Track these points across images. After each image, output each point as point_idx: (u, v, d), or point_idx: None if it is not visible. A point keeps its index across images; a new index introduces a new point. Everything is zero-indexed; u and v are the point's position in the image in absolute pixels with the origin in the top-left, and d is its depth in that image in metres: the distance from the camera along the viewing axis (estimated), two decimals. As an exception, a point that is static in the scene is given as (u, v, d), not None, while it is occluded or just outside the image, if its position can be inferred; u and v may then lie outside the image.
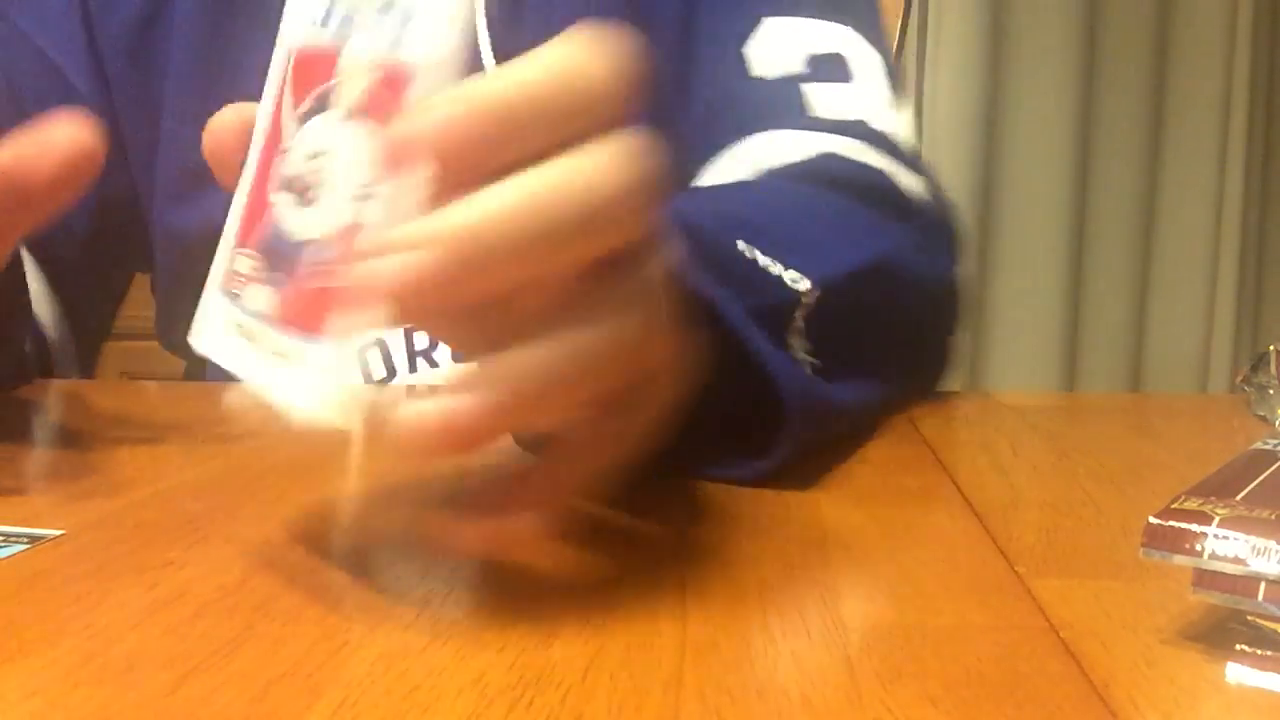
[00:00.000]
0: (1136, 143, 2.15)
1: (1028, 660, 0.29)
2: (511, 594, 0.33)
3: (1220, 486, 0.30)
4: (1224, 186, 2.14)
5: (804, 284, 0.48)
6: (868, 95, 0.71)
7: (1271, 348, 0.57)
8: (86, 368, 0.83)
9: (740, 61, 0.72)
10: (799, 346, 0.48)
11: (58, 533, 0.38)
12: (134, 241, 0.81)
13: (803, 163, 0.64)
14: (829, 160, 0.64)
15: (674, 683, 0.27)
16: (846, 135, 0.66)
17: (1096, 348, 2.18)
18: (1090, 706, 0.26)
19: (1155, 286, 2.21)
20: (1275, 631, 0.29)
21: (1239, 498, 0.30)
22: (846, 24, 0.74)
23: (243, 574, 0.34)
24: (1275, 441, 0.35)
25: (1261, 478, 0.31)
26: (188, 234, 0.77)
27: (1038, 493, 0.44)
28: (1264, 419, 0.56)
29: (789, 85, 0.70)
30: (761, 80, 0.71)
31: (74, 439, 0.53)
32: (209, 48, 0.75)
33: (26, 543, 0.37)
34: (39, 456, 0.49)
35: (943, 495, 0.43)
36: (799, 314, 0.48)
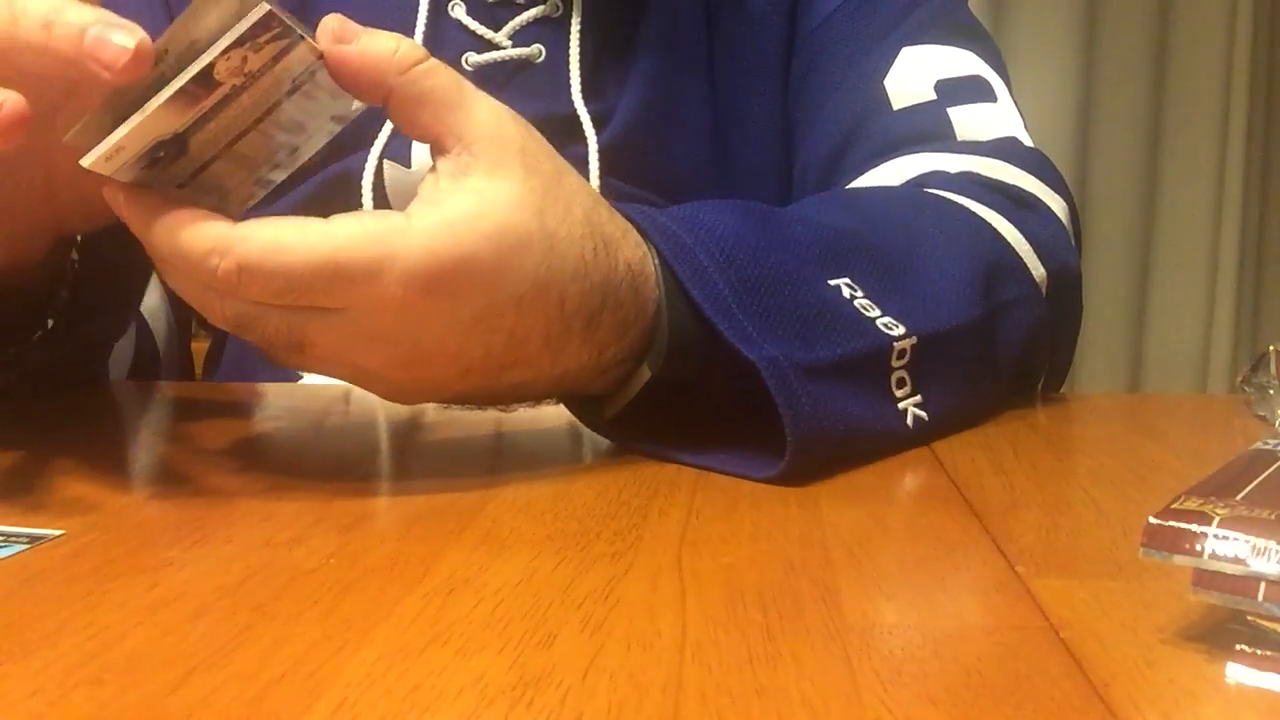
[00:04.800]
0: (1136, 142, 2.15)
1: (1028, 660, 0.29)
2: (511, 594, 0.33)
3: (1220, 486, 0.30)
4: (1224, 186, 2.14)
5: (899, 329, 0.49)
6: (1011, 115, 0.73)
7: (1271, 348, 0.57)
8: (186, 365, 0.83)
9: (882, 94, 0.72)
10: (904, 396, 0.49)
11: (58, 533, 0.38)
12: None
13: (940, 175, 0.65)
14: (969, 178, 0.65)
15: (674, 683, 0.27)
16: (993, 157, 0.67)
17: (1096, 348, 2.18)
18: (1090, 706, 0.26)
19: (1155, 286, 2.21)
20: (1275, 631, 0.29)
21: (1239, 498, 0.30)
22: (972, 50, 0.75)
23: (243, 574, 0.34)
24: (1275, 441, 0.35)
25: (1261, 478, 0.31)
26: None
27: (1038, 493, 0.44)
28: (1264, 419, 0.56)
29: (934, 110, 0.71)
30: (905, 111, 0.72)
31: (75, 439, 0.53)
32: None
33: (26, 543, 0.37)
34: (39, 457, 0.49)
35: (943, 495, 0.43)
36: (897, 363, 0.49)
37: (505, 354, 0.43)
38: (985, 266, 0.56)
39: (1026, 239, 0.60)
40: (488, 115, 0.43)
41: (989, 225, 0.59)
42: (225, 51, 0.39)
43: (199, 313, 0.43)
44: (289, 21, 0.40)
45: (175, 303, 0.78)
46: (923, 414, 0.49)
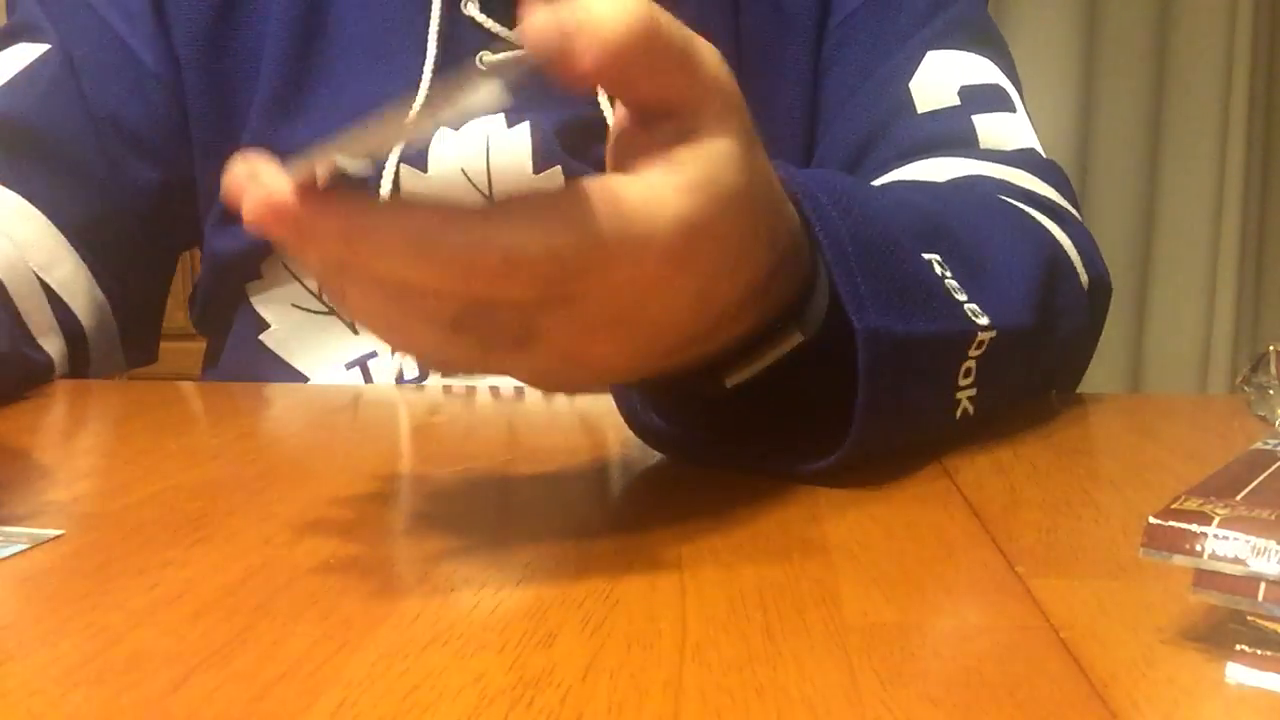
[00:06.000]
0: (1136, 143, 2.15)
1: (1028, 660, 0.29)
2: (511, 594, 0.33)
3: (1220, 486, 0.30)
4: (1224, 186, 2.14)
5: (984, 319, 0.48)
6: (1027, 126, 0.73)
7: (1271, 348, 0.57)
8: (142, 351, 0.81)
9: (907, 97, 0.72)
10: (966, 386, 0.48)
11: (58, 533, 0.38)
12: (188, 221, 0.79)
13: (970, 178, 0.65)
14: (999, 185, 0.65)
15: (674, 683, 0.27)
16: (1019, 167, 0.67)
17: (1097, 348, 2.18)
18: (1090, 706, 0.26)
19: (1155, 286, 2.21)
20: (1275, 631, 0.29)
21: (1239, 498, 0.30)
22: (991, 58, 0.75)
23: (243, 574, 0.34)
24: (1275, 441, 0.35)
25: (1261, 478, 0.31)
26: (229, 256, 0.76)
27: (1038, 493, 0.44)
28: (1264, 419, 0.56)
29: (959, 116, 0.71)
30: (930, 115, 0.72)
31: (74, 439, 0.53)
32: (292, 74, 0.74)
33: (26, 543, 0.37)
34: (39, 456, 0.49)
35: (943, 495, 0.43)
36: (974, 352, 0.48)
37: (707, 324, 0.40)
38: (1047, 270, 0.55)
39: (1074, 246, 0.60)
40: (713, 70, 0.39)
41: (1045, 229, 0.59)
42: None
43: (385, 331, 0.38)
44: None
45: (104, 273, 0.75)
46: (971, 408, 0.49)
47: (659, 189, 0.37)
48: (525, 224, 0.35)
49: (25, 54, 0.75)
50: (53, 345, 0.70)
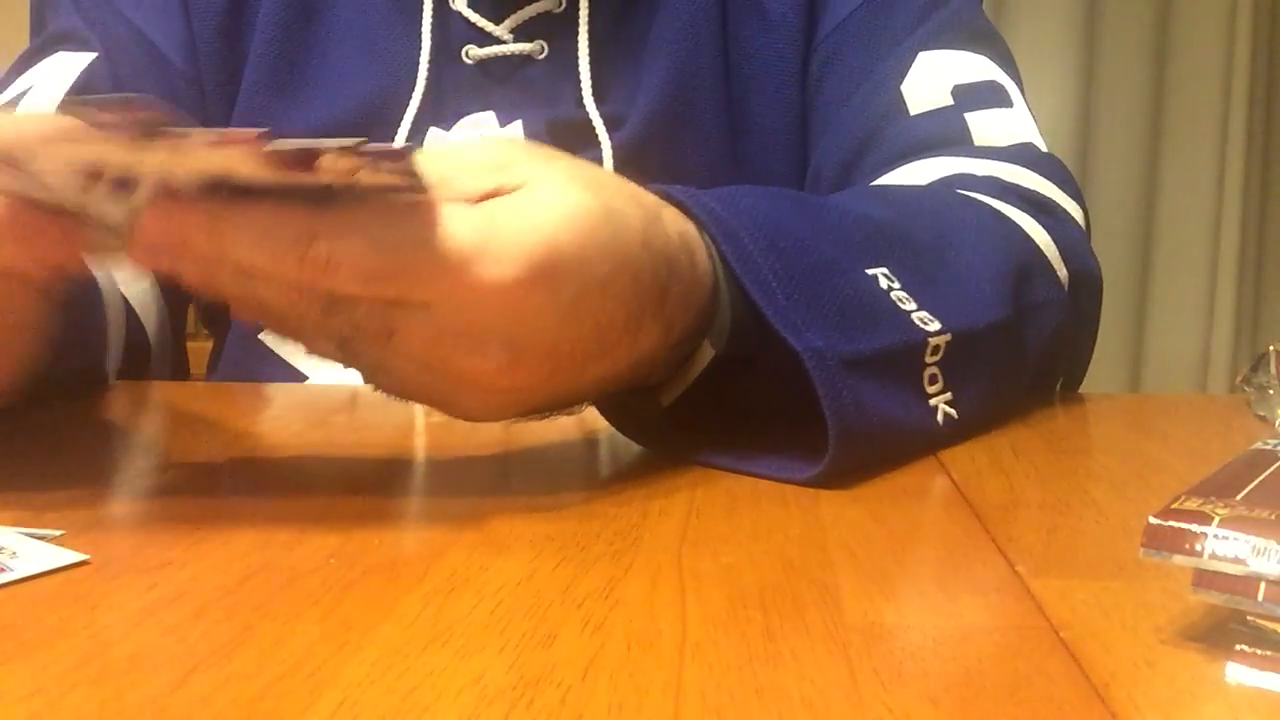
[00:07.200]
0: (1136, 142, 2.15)
1: (1028, 660, 0.29)
2: (511, 594, 0.33)
3: (1220, 486, 0.30)
4: (1224, 186, 2.14)
5: (934, 325, 0.48)
6: (1026, 120, 0.73)
7: (1271, 348, 0.57)
8: (180, 362, 0.81)
9: (899, 99, 0.72)
10: (936, 392, 0.49)
11: (58, 533, 0.38)
12: None
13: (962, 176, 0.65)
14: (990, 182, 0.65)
15: (674, 683, 0.27)
16: (1012, 162, 0.67)
17: (1097, 348, 2.18)
18: (1090, 706, 0.26)
19: (1155, 286, 2.21)
20: (1275, 631, 0.29)
21: (1239, 498, 0.30)
22: (987, 55, 0.75)
23: (243, 574, 0.34)
24: (1275, 441, 0.35)
25: (1261, 478, 0.31)
26: None
27: (1038, 493, 0.44)
28: (1264, 419, 0.56)
29: (952, 116, 0.71)
30: (923, 116, 0.72)
31: (75, 439, 0.53)
32: (282, 57, 0.74)
33: (30, 541, 0.37)
34: (40, 456, 0.49)
35: (943, 495, 0.43)
36: (930, 359, 0.48)
37: (590, 344, 0.42)
38: (1015, 266, 0.56)
39: (1053, 241, 0.60)
40: (523, 162, 0.42)
41: (1018, 226, 0.59)
42: (345, 151, 0.36)
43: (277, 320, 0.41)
44: (422, 176, 0.38)
45: (170, 298, 0.78)
46: (952, 412, 0.49)
47: (497, 216, 0.39)
48: (354, 225, 0.38)
49: (73, 63, 0.76)
50: (113, 360, 0.70)
